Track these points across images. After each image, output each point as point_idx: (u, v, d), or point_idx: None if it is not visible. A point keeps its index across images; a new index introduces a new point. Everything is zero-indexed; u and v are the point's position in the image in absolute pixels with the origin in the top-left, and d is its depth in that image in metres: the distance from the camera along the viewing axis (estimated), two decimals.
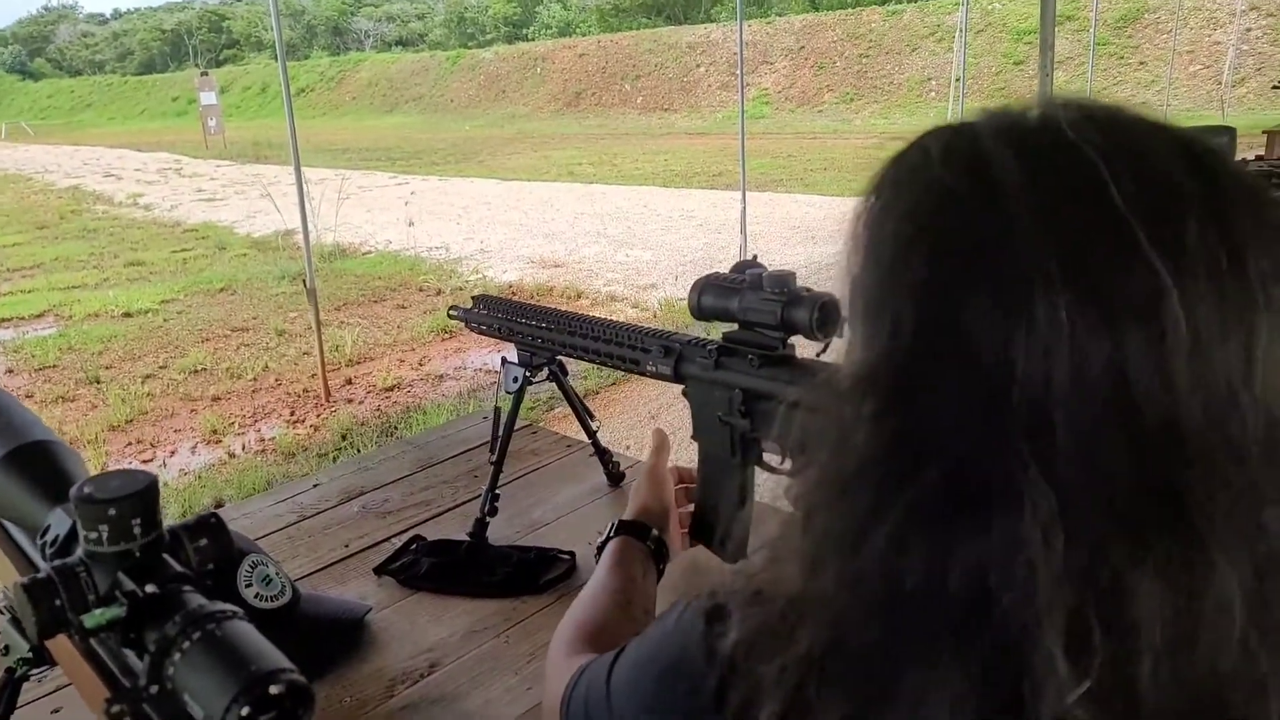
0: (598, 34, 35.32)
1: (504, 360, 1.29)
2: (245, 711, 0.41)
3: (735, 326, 0.85)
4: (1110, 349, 0.36)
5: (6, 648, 0.56)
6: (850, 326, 0.46)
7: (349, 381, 4.92)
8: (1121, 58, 19.70)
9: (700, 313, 0.88)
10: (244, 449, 4.11)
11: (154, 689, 0.45)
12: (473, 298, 1.30)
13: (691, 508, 0.91)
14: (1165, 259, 0.36)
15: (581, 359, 1.10)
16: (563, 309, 1.19)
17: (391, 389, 4.80)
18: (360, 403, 4.63)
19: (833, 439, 0.43)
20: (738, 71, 7.11)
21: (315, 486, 1.54)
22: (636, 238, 8.61)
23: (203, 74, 24.89)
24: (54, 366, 5.32)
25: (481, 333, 1.28)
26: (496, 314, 1.24)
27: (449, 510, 1.43)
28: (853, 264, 0.45)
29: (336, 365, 5.05)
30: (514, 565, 1.23)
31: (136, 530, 0.49)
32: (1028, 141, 0.41)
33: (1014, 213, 0.39)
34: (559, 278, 7.11)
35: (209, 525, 0.53)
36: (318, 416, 4.45)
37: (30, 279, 7.91)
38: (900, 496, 0.39)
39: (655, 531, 0.85)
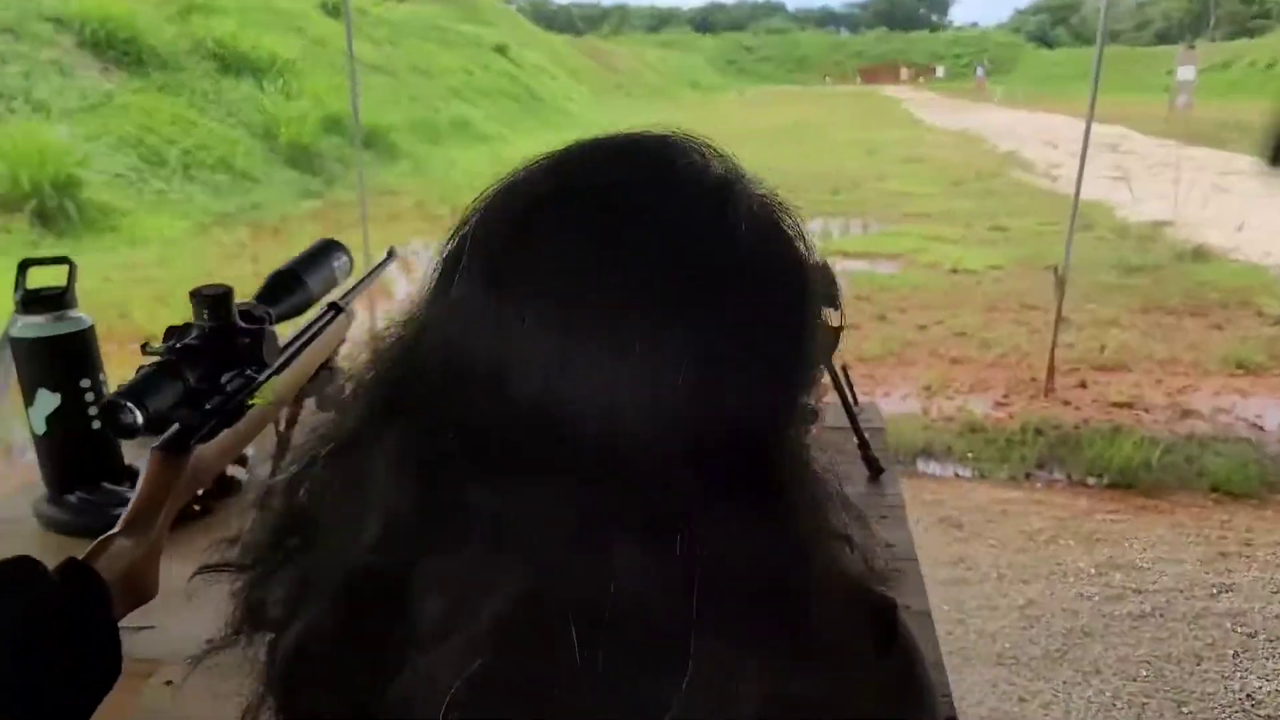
0: None
1: None
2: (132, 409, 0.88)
3: None
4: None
5: None
6: None
7: (1083, 384, 4.66)
8: None
9: None
10: (938, 412, 4.39)
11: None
12: None
13: None
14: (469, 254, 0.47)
15: None
16: None
17: (1123, 405, 4.39)
18: (1076, 408, 4.39)
19: None
20: None
21: None
22: None
23: (1189, 47, 23.44)
24: (867, 299, 6.35)
25: None
26: None
27: None
28: None
29: (1076, 367, 4.82)
30: None
31: (205, 317, 0.98)
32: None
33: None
34: None
35: (256, 332, 1.00)
36: (1024, 406, 4.42)
37: (912, 224, 9.12)
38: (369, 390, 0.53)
39: None
